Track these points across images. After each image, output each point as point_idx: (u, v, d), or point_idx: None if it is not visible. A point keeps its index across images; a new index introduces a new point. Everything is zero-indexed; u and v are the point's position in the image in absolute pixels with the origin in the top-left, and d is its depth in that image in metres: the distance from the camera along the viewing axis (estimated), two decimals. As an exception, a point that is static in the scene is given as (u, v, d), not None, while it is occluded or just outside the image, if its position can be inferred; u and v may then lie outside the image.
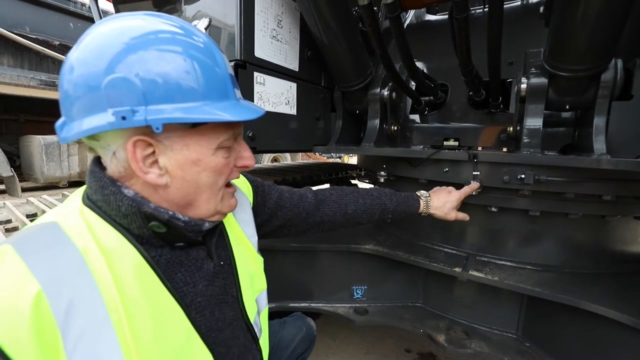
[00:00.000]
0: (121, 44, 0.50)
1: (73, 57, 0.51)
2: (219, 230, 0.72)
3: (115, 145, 0.53)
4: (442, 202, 1.14)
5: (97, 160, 0.60)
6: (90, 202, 0.57)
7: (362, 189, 1.11)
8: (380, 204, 1.08)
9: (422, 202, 1.12)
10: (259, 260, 0.85)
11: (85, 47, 0.51)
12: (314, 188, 1.08)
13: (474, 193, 1.22)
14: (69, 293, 0.47)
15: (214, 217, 0.65)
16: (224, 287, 0.69)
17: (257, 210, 0.89)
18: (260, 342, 0.79)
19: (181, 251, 0.62)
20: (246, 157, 0.65)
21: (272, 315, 1.25)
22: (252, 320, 0.75)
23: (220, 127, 0.58)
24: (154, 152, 0.54)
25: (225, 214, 0.67)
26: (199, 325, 0.61)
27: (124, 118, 0.48)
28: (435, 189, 1.20)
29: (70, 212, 0.56)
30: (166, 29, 0.53)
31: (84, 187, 0.61)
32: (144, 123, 0.49)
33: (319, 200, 1.01)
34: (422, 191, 1.16)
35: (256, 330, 0.77)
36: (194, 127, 0.55)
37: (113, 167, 0.56)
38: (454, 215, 1.14)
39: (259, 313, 0.82)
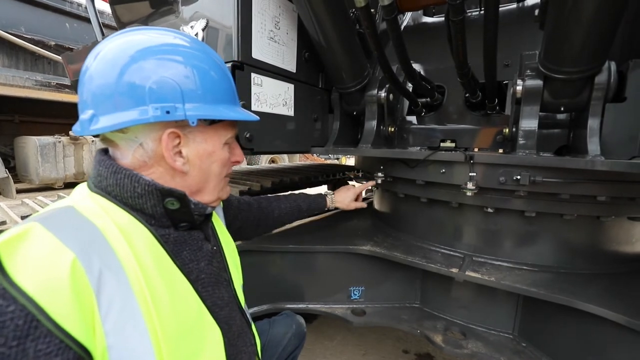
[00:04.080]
0: (179, 52, 0.61)
1: (126, 54, 0.57)
2: (210, 222, 0.80)
3: (144, 137, 0.60)
4: (342, 197, 1.49)
5: (104, 152, 0.65)
6: (97, 189, 0.61)
7: (282, 195, 1.37)
8: (297, 206, 1.35)
9: (327, 199, 1.45)
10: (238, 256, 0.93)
11: (131, 53, 0.58)
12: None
13: (371, 188, 1.31)
14: (99, 262, 0.50)
15: (214, 203, 0.75)
16: (219, 269, 0.76)
17: (225, 212, 1.04)
18: (253, 328, 0.84)
19: (184, 232, 0.68)
20: (238, 154, 0.77)
21: (268, 316, 1.25)
22: (243, 306, 0.82)
23: (228, 126, 0.71)
24: (179, 144, 0.63)
25: (221, 200, 0.78)
26: (205, 300, 0.67)
27: (168, 112, 0.57)
28: (340, 188, 1.54)
29: (81, 198, 0.60)
30: (209, 51, 0.67)
31: (85, 182, 0.66)
32: (184, 117, 0.58)
33: (260, 207, 1.23)
34: (328, 191, 1.49)
35: (247, 316, 0.83)
36: (211, 125, 0.67)
37: (135, 157, 0.61)
38: (353, 205, 1.50)
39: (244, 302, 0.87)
